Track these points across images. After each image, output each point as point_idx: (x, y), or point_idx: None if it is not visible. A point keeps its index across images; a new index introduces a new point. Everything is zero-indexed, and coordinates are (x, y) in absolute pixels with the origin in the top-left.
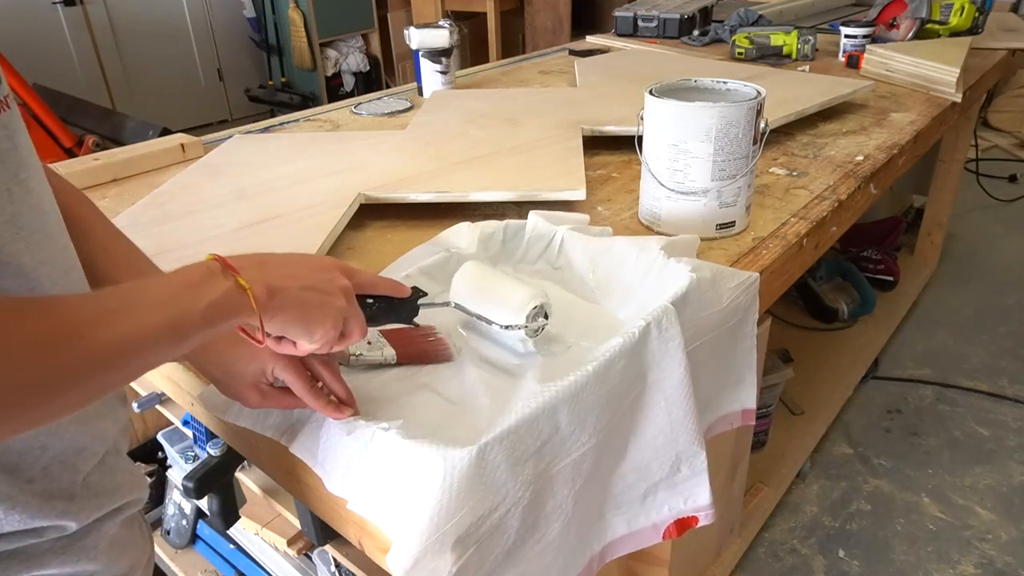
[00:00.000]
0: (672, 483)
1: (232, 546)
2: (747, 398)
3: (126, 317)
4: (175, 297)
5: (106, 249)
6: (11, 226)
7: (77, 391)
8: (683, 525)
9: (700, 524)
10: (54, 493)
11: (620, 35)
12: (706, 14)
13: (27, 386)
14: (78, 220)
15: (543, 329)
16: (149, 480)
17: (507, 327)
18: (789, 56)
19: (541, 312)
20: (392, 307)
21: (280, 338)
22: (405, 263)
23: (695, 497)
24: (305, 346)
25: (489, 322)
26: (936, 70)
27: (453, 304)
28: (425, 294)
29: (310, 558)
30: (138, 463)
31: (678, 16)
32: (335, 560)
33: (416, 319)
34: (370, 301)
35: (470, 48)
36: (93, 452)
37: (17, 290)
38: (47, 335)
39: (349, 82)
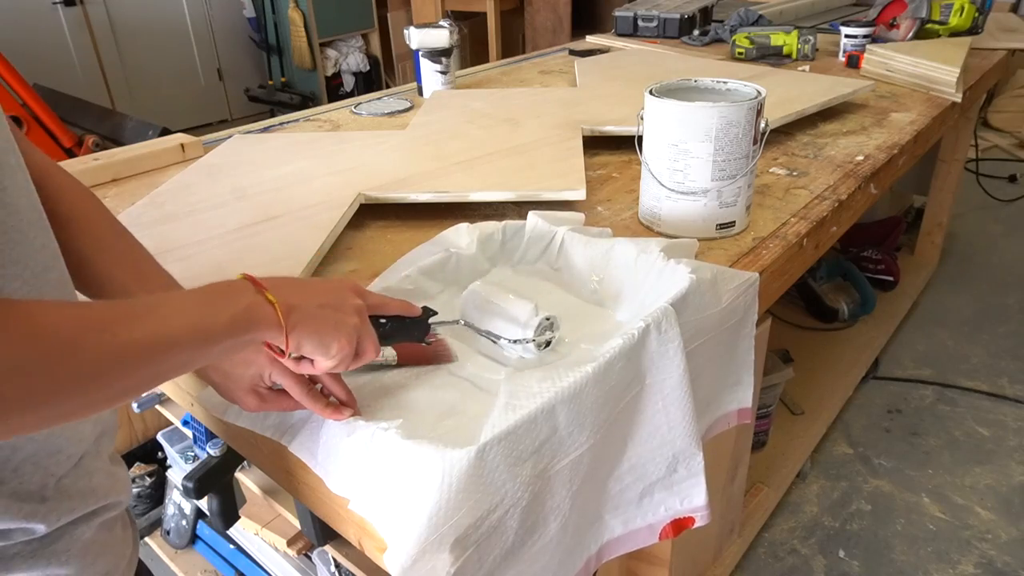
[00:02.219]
0: (669, 484)
1: (232, 546)
2: (744, 397)
3: (154, 320)
4: (200, 307)
5: (106, 247)
6: None
7: (105, 387)
8: (679, 526)
9: (696, 525)
10: (24, 495)
11: (620, 35)
12: (706, 14)
13: (61, 378)
14: (76, 219)
15: (552, 342)
16: (149, 480)
17: (515, 341)
18: (789, 56)
19: (549, 325)
20: (404, 326)
21: (299, 359)
22: (405, 263)
23: (691, 498)
24: (323, 363)
25: (497, 338)
26: (936, 70)
27: (462, 322)
28: (435, 313)
29: (310, 558)
30: (138, 463)
31: (678, 16)
32: (335, 560)
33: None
34: (383, 321)
35: (470, 48)
36: (68, 454)
37: None
38: (80, 330)
39: (349, 82)
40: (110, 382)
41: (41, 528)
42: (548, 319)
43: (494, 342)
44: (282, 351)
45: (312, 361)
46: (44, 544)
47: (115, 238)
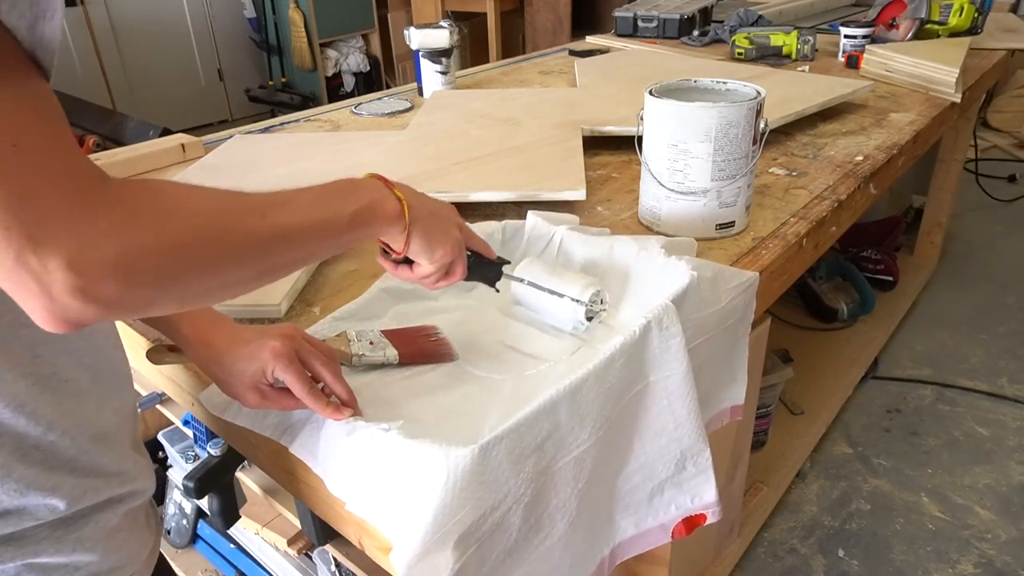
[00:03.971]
0: (678, 481)
1: (232, 546)
2: (736, 395)
3: (291, 209)
4: (329, 200)
5: None
6: None
7: (254, 263)
8: (691, 524)
9: (708, 522)
10: (54, 465)
11: (620, 35)
12: (706, 14)
13: (216, 253)
14: None
15: (598, 316)
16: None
17: (576, 300)
18: (789, 56)
19: (599, 298)
20: (482, 265)
21: (400, 263)
22: None
23: (701, 495)
24: (423, 268)
25: (561, 295)
26: (936, 70)
27: (527, 281)
28: (509, 263)
29: (310, 558)
30: None
31: (678, 16)
32: (335, 560)
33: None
34: (468, 253)
35: (470, 48)
36: (96, 432)
37: None
38: (234, 212)
39: (349, 82)
40: (258, 259)
41: (62, 506)
42: (599, 292)
43: (560, 296)
44: (393, 250)
45: (411, 267)
46: (70, 530)
47: None
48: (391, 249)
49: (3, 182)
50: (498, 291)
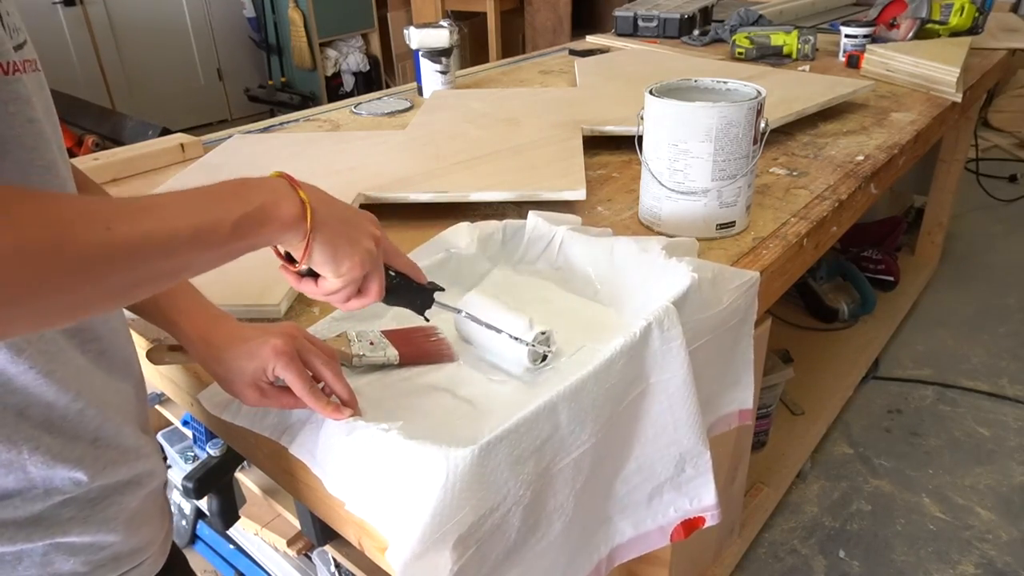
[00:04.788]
0: (677, 483)
1: (232, 546)
2: (744, 398)
3: (154, 217)
4: (206, 206)
5: None
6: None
7: (95, 282)
8: (690, 526)
9: (707, 525)
10: (79, 436)
11: (620, 35)
12: (706, 14)
13: (50, 267)
14: None
15: (545, 360)
16: None
17: (516, 338)
18: (789, 56)
19: (547, 340)
20: (410, 288)
21: (303, 276)
22: None
23: (701, 497)
24: (328, 283)
25: (499, 330)
26: (936, 70)
27: (464, 313)
28: (443, 289)
29: (310, 558)
30: None
31: (678, 16)
32: (335, 560)
33: (427, 313)
34: (392, 274)
35: (470, 48)
36: (115, 408)
37: None
38: (75, 219)
39: (349, 82)
40: (100, 277)
41: (85, 478)
42: (544, 333)
43: (497, 332)
44: (291, 260)
45: (316, 280)
46: (95, 510)
47: None
48: (291, 261)
49: None
50: (427, 320)
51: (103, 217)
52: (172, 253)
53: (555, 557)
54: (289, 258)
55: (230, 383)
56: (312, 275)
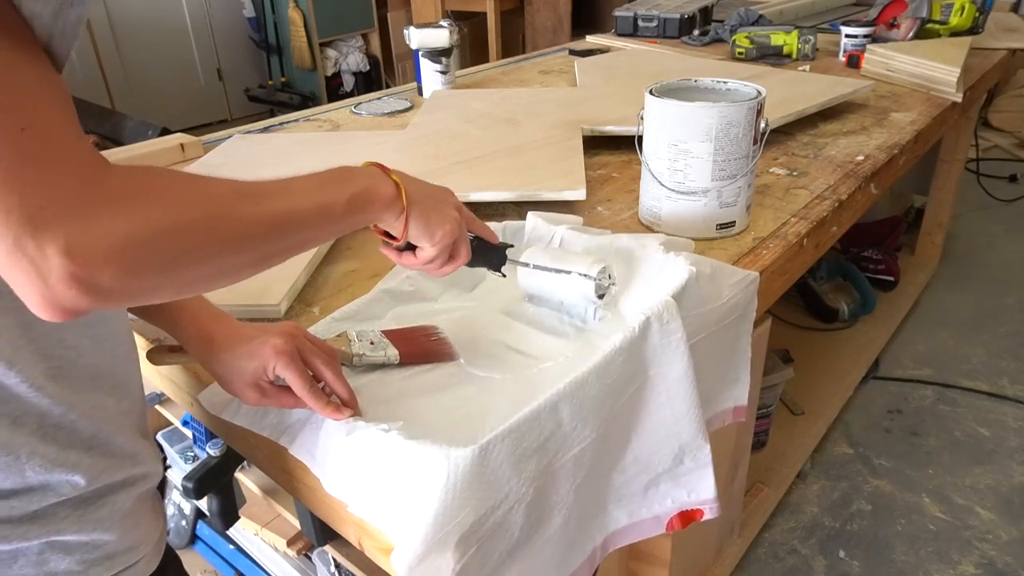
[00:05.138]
0: (675, 475)
1: (232, 546)
2: (740, 395)
3: (287, 196)
4: (324, 187)
5: None
6: None
7: (252, 249)
8: (687, 518)
9: (705, 518)
10: (74, 443)
11: (620, 35)
12: (706, 14)
13: (218, 237)
14: None
15: (609, 292)
16: None
17: (584, 275)
18: (789, 56)
19: (607, 274)
20: (485, 250)
21: (403, 250)
22: None
23: (699, 490)
24: (426, 251)
25: (568, 272)
26: (936, 70)
27: (532, 265)
28: (512, 245)
29: (310, 558)
30: None
31: (678, 16)
32: (335, 560)
33: (503, 269)
34: (471, 237)
35: (470, 48)
36: (113, 412)
37: None
38: (235, 197)
39: (349, 82)
40: (255, 245)
41: (83, 482)
42: (606, 268)
43: (567, 274)
44: (391, 236)
45: (415, 253)
46: (89, 510)
47: None
48: (391, 238)
49: (7, 165)
50: (504, 275)
51: (252, 195)
52: (304, 226)
53: (554, 548)
54: (388, 236)
55: (230, 382)
56: (410, 248)
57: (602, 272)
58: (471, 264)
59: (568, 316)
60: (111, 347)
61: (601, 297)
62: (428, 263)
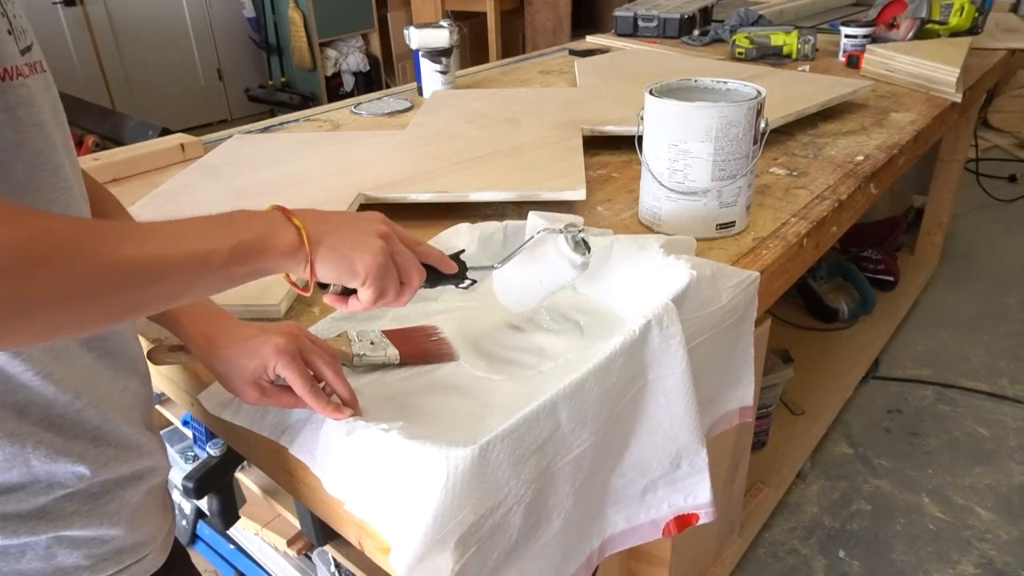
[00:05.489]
0: (672, 480)
1: (232, 546)
2: (744, 396)
3: (155, 241)
4: (203, 233)
5: None
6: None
7: (100, 301)
8: (683, 522)
9: (700, 522)
10: (79, 433)
11: (620, 35)
12: (706, 14)
13: (56, 284)
14: (101, 214)
15: (584, 244)
16: None
17: (546, 230)
18: (789, 56)
19: (576, 228)
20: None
21: (339, 295)
22: None
23: (695, 495)
24: (361, 292)
25: (530, 239)
26: (936, 70)
27: (498, 263)
28: (463, 250)
29: (310, 558)
30: None
31: (678, 16)
32: (335, 560)
33: (469, 274)
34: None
35: (470, 48)
36: (118, 405)
37: None
38: (82, 239)
39: (349, 82)
40: (104, 296)
41: (88, 472)
42: (571, 224)
43: (531, 240)
44: (324, 286)
45: (347, 297)
46: (97, 504)
47: None
48: (299, 288)
49: None
50: (474, 282)
51: (115, 238)
52: (177, 273)
53: (552, 552)
54: (322, 285)
55: (231, 381)
56: (352, 292)
57: (570, 225)
58: (430, 284)
59: (554, 286)
60: (118, 339)
61: (578, 250)
62: (377, 301)
